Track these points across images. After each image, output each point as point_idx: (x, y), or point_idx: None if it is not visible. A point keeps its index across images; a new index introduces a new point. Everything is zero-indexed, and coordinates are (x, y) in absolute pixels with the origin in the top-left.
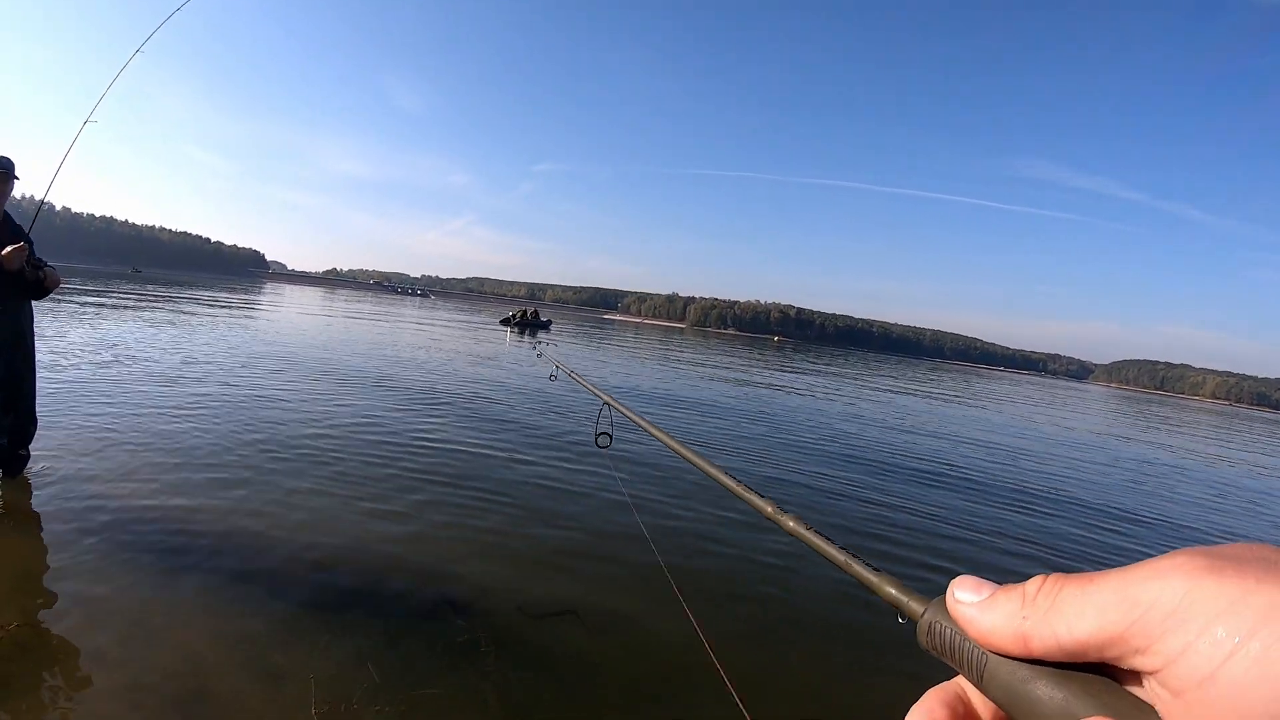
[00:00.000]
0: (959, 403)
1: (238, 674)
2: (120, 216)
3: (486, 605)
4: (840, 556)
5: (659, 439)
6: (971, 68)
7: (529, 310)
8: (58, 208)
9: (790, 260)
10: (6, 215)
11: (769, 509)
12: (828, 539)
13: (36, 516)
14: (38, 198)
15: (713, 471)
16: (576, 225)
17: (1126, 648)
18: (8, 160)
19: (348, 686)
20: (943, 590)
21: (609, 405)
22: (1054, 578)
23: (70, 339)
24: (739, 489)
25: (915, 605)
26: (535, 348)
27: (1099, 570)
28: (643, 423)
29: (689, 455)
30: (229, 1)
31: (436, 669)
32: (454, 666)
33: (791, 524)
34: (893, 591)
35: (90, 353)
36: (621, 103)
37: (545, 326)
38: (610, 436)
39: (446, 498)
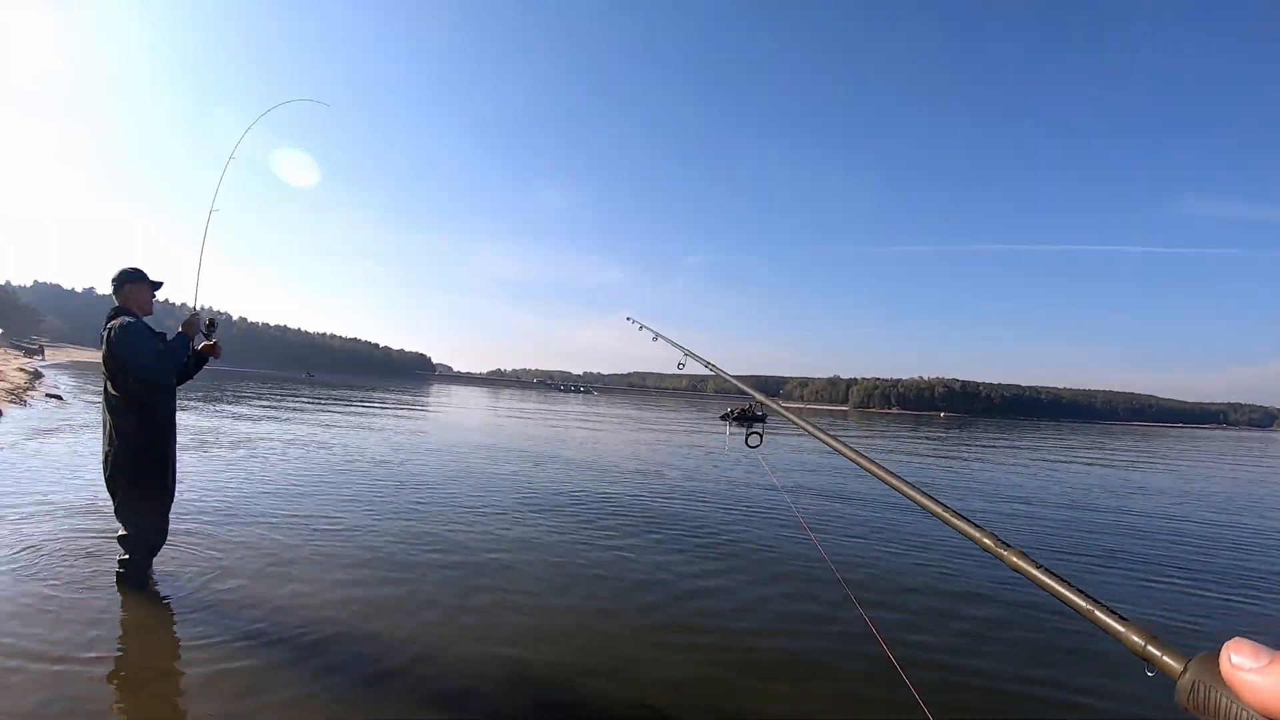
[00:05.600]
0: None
1: None
2: (293, 325)
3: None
4: (1081, 602)
5: (837, 449)
6: (1128, 105)
7: (747, 405)
8: (235, 317)
9: (951, 332)
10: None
11: (988, 542)
12: (1063, 579)
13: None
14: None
15: (915, 495)
16: (732, 314)
17: None
18: (139, 270)
19: None
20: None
21: (763, 404)
22: None
23: (280, 436)
24: (949, 517)
25: (1173, 662)
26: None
27: None
28: (808, 426)
29: (877, 470)
30: (388, 130)
31: None
32: None
33: (1016, 560)
34: (1144, 644)
35: (309, 449)
36: (768, 190)
37: (763, 419)
38: (760, 436)
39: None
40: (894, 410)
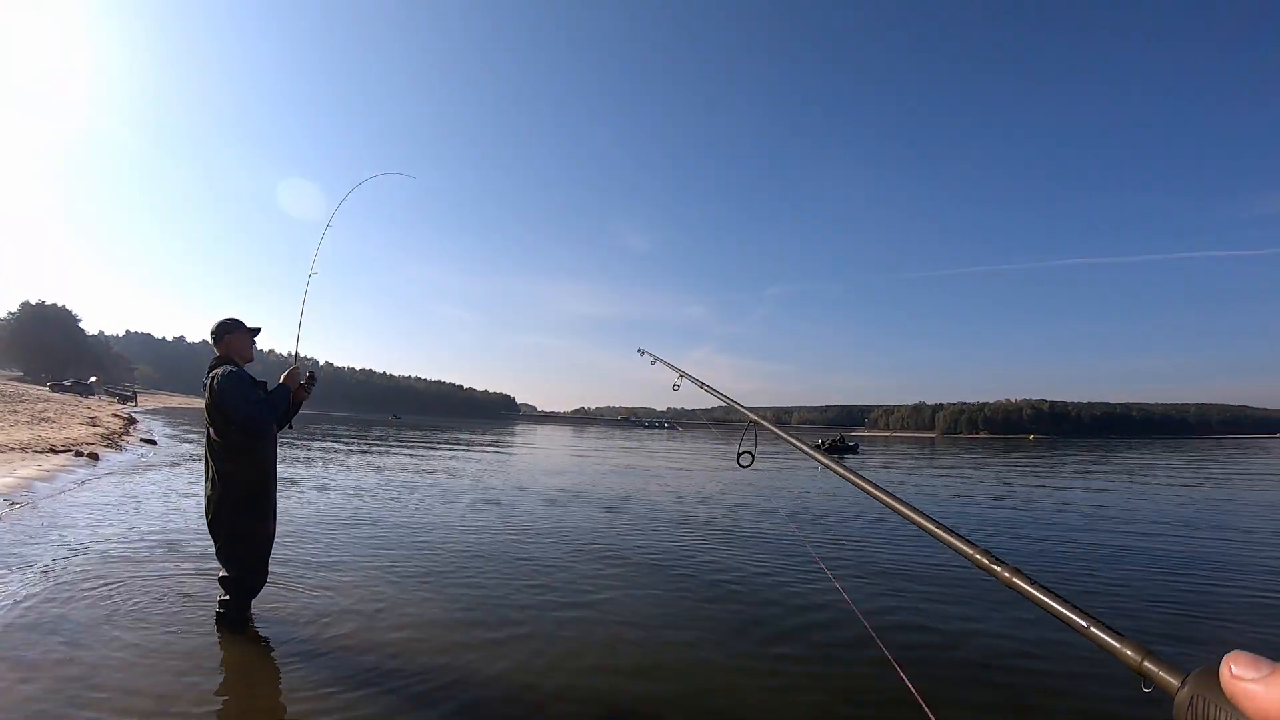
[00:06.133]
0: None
1: None
2: (379, 369)
3: None
4: (1076, 619)
5: (831, 468)
6: (1197, 102)
7: (838, 436)
8: (321, 362)
9: (1036, 352)
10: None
11: (981, 558)
12: (1058, 596)
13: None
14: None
15: (905, 510)
16: (814, 344)
17: None
18: (237, 320)
19: None
20: (1193, 664)
21: (756, 424)
22: None
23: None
24: (942, 534)
25: (1170, 677)
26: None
27: None
28: (800, 444)
29: (872, 489)
30: (460, 175)
31: None
32: None
33: (1009, 576)
34: (1140, 660)
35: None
36: (842, 218)
37: (854, 450)
38: (752, 455)
39: None
40: (982, 434)
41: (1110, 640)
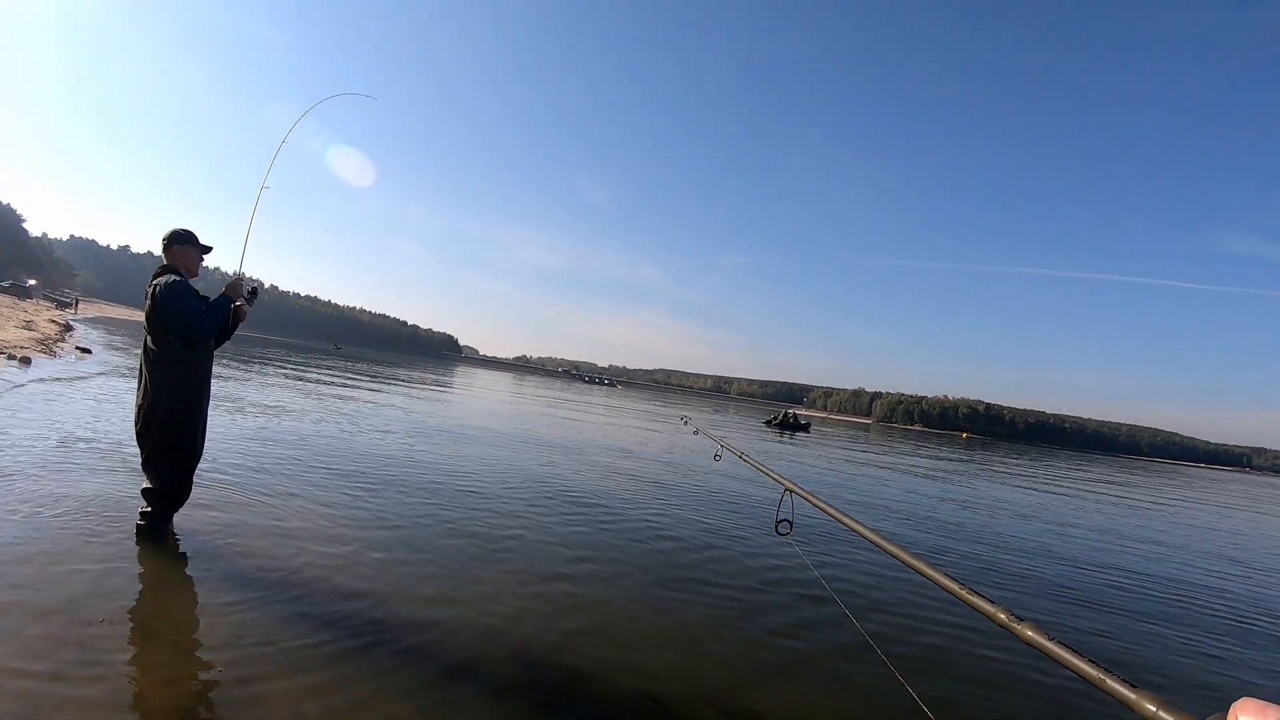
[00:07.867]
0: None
1: None
2: (324, 297)
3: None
4: (1091, 671)
5: (860, 533)
6: (1169, 131)
7: (789, 413)
8: (266, 285)
9: (979, 355)
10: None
11: (1001, 616)
12: (1074, 650)
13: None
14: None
15: (930, 572)
16: (764, 318)
17: None
18: (190, 232)
19: None
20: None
21: (791, 493)
22: None
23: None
24: (962, 593)
25: None
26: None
27: None
28: (835, 513)
29: (900, 554)
30: (426, 110)
31: None
32: None
33: (1030, 634)
34: (1156, 709)
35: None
36: (805, 195)
37: (806, 428)
38: (791, 524)
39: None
40: (917, 427)
41: (1126, 692)
